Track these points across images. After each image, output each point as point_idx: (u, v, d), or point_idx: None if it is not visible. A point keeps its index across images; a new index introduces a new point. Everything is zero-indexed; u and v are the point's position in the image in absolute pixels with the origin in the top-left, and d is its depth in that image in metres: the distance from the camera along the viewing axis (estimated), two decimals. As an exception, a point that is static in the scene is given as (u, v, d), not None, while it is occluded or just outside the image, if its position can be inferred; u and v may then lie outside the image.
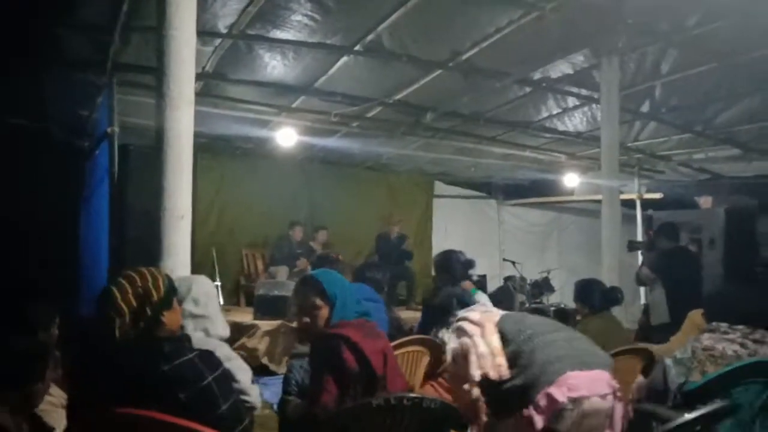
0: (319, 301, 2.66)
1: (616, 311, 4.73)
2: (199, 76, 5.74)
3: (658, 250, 6.13)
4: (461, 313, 3.18)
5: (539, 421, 2.74)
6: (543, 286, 8.92)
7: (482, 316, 3.13)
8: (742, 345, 2.94)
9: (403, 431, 2.30)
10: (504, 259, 10.41)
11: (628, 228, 8.34)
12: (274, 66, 5.83)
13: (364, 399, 2.26)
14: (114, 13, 4.51)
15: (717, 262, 7.43)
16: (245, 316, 7.01)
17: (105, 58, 5.18)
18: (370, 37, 5.19)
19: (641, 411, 3.02)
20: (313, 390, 2.51)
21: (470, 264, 4.81)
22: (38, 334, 3.06)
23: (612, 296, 4.36)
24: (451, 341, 3.16)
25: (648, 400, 3.05)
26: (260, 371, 6.09)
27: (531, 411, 2.74)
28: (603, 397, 2.81)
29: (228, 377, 2.34)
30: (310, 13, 4.78)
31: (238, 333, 6.49)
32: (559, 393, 2.75)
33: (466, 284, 4.66)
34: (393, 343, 3.00)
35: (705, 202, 9.14)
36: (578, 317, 4.60)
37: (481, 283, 8.72)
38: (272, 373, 6.26)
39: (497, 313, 3.18)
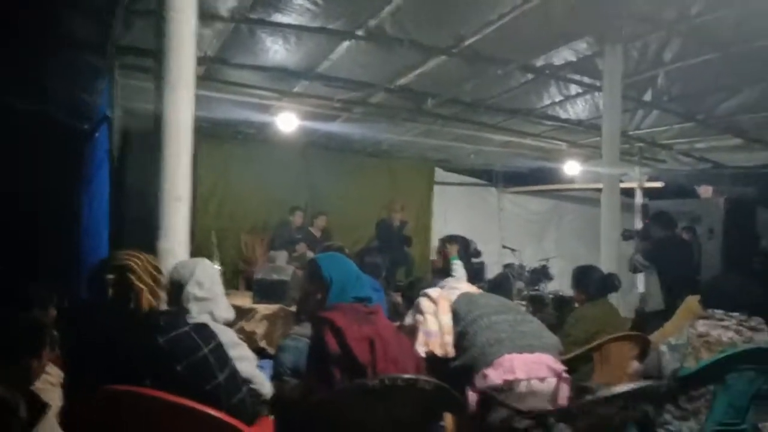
0: (314, 283, 2.67)
1: (614, 299, 4.74)
2: (200, 60, 5.72)
3: (652, 239, 6.18)
4: (424, 290, 3.24)
5: (474, 400, 2.80)
6: (541, 274, 8.94)
7: (440, 293, 3.19)
8: (737, 332, 2.97)
9: (399, 413, 2.33)
10: (503, 246, 10.42)
11: (628, 216, 8.35)
12: (276, 50, 5.81)
13: (356, 381, 2.27)
14: (116, -6, 4.51)
15: (715, 252, 7.44)
16: (244, 300, 7.02)
17: (106, 41, 5.18)
18: (372, 22, 5.18)
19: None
20: (306, 372, 2.54)
21: (476, 251, 4.99)
22: (35, 311, 3.08)
23: (609, 283, 4.36)
24: (408, 316, 3.24)
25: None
26: (258, 354, 6.12)
27: (468, 390, 2.80)
28: (541, 380, 2.85)
29: (222, 349, 2.38)
30: (312, -3, 4.78)
31: (237, 316, 6.46)
32: (495, 375, 2.79)
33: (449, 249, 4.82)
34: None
35: (705, 191, 9.12)
36: (576, 304, 4.62)
37: (479, 270, 8.76)
38: (270, 357, 6.29)
39: (457, 291, 3.23)
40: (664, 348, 3.00)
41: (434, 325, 3.05)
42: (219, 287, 2.82)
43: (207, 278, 2.75)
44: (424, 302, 3.18)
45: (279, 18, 5.13)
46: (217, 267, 6.65)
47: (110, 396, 2.09)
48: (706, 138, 8.31)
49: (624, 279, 5.72)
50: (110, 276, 2.46)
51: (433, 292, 3.24)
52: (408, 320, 3.21)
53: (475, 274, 5.01)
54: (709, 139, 8.30)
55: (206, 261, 2.92)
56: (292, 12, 5.02)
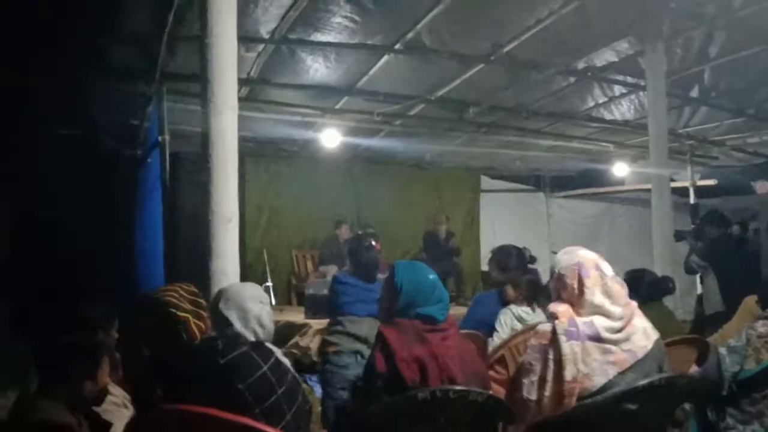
0: (387, 288, 2.61)
1: (671, 302, 4.63)
2: (244, 82, 5.87)
3: (706, 239, 6.02)
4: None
5: None
6: (596, 278, 8.76)
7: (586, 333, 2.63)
8: (798, 332, 2.87)
9: (453, 426, 2.31)
10: (553, 252, 10.27)
11: (682, 216, 8.15)
12: (317, 69, 5.90)
13: (407, 393, 2.26)
14: (161, 23, 4.64)
15: (774, 249, 7.19)
16: (297, 316, 7.11)
17: (154, 68, 5.34)
18: (410, 35, 5.21)
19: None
20: (359, 385, 2.56)
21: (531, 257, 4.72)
22: (98, 335, 3.17)
23: (662, 286, 4.24)
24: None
25: (702, 390, 3.01)
26: (313, 369, 6.19)
27: None
28: None
29: (280, 362, 2.43)
30: (349, 14, 4.83)
31: (290, 332, 6.61)
32: None
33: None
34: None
35: (762, 187, 8.85)
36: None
37: (535, 280, 8.62)
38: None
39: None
40: (723, 351, 2.92)
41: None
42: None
43: (265, 318, 2.70)
44: (565, 346, 2.38)
45: (318, 37, 5.22)
46: (268, 284, 6.80)
47: (170, 414, 2.15)
48: (758, 132, 8.10)
49: (682, 281, 5.58)
50: (153, 317, 2.57)
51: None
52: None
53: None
54: (762, 133, 8.09)
55: (251, 284, 2.86)
56: (331, 30, 5.10)
